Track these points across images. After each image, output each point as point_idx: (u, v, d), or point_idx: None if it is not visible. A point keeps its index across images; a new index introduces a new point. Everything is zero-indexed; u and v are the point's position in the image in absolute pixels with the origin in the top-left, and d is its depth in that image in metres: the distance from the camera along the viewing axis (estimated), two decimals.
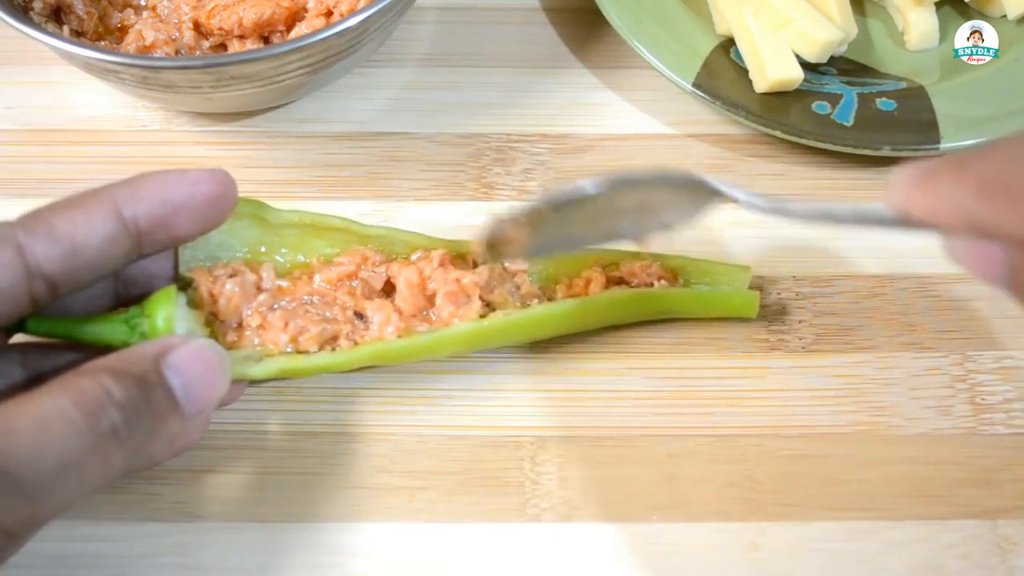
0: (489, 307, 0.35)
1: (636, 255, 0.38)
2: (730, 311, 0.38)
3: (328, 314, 0.34)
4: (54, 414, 0.25)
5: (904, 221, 0.23)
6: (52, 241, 0.28)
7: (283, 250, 0.35)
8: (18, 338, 0.31)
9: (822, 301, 0.40)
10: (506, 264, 0.37)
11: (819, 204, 0.27)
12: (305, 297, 0.34)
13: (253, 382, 0.34)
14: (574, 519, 0.34)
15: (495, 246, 0.33)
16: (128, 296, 0.33)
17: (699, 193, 0.31)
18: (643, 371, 0.38)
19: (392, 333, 0.34)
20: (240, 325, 0.33)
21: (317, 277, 0.35)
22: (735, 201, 0.30)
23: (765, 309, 0.39)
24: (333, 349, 0.34)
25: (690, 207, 0.32)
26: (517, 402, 0.37)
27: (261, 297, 0.33)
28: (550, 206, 0.31)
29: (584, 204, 0.31)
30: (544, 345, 0.38)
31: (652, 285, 0.37)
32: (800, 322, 0.39)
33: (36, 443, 0.24)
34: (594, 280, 0.37)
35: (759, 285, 0.39)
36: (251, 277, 0.33)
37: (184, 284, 0.33)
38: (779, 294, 0.40)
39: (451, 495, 0.35)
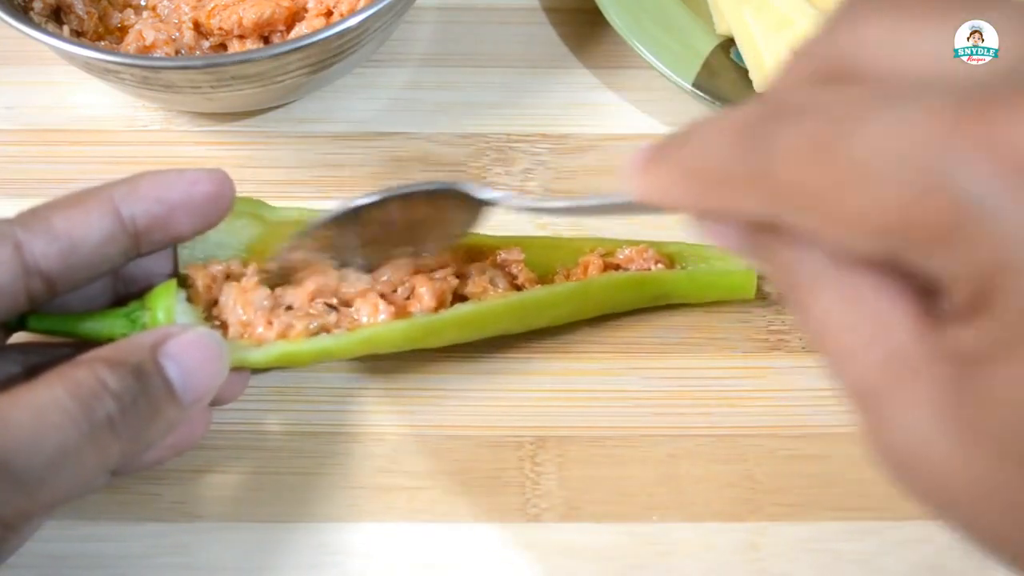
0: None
1: (633, 242, 0.38)
2: (728, 292, 0.38)
3: (312, 310, 0.34)
4: (50, 404, 0.25)
5: (642, 206, 0.23)
6: (50, 239, 0.28)
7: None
8: (19, 337, 0.31)
9: None
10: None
11: (569, 199, 0.28)
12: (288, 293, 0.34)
13: (255, 372, 0.34)
14: (574, 519, 0.34)
15: (288, 273, 0.34)
16: (128, 295, 0.33)
17: (462, 199, 0.32)
18: (643, 371, 0.38)
19: (385, 320, 0.34)
20: (237, 323, 0.33)
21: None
22: (491, 203, 0.31)
23: (766, 309, 0.39)
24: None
25: (463, 214, 0.33)
26: (517, 402, 0.37)
27: (255, 300, 0.33)
28: (326, 225, 0.33)
29: (360, 220, 0.32)
30: (544, 344, 0.38)
31: (649, 270, 0.37)
32: None
33: (32, 434, 0.24)
34: (591, 265, 0.37)
35: (760, 284, 0.39)
36: (243, 277, 0.34)
37: (183, 282, 0.33)
38: (780, 294, 0.40)
39: (451, 495, 0.35)
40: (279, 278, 0.34)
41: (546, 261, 0.38)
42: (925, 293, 0.19)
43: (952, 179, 0.16)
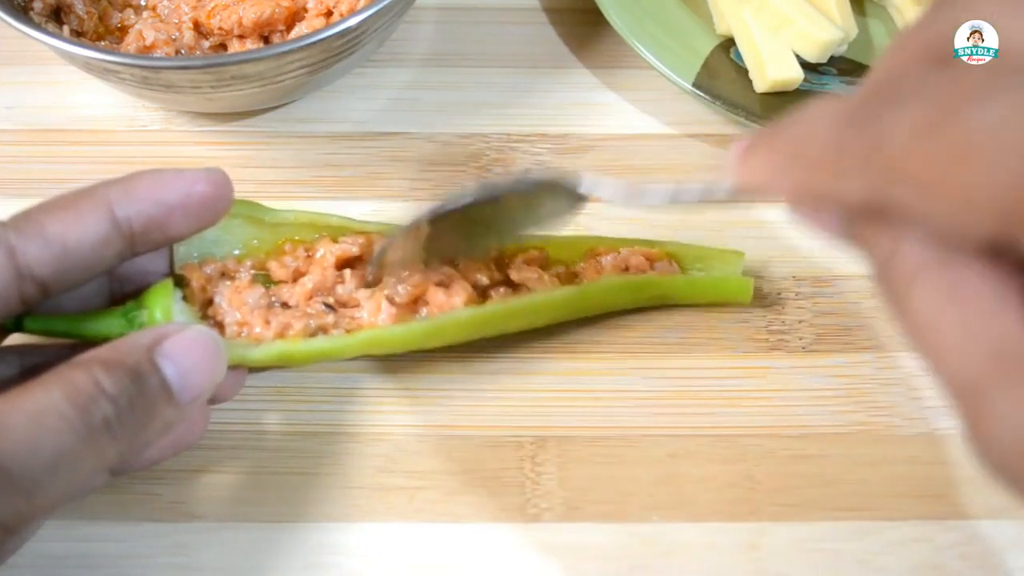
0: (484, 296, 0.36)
1: (629, 242, 0.38)
2: (725, 296, 0.39)
3: (310, 310, 0.34)
4: (47, 408, 0.25)
5: (745, 193, 0.24)
6: (44, 244, 0.28)
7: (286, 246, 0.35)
8: (16, 338, 0.31)
9: (822, 301, 0.40)
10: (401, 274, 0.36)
11: (668, 187, 0.28)
12: (285, 291, 0.34)
13: (254, 371, 0.34)
14: (574, 519, 0.34)
15: (385, 264, 0.34)
16: (123, 294, 0.33)
17: (562, 191, 0.32)
18: (643, 371, 0.38)
19: (386, 321, 0.34)
20: (234, 323, 0.33)
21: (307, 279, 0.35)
22: (592, 196, 0.31)
23: (765, 309, 0.39)
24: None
25: (559, 207, 0.33)
26: (517, 402, 0.37)
27: (250, 299, 0.33)
28: (428, 219, 0.32)
29: (460, 214, 0.32)
30: (544, 344, 0.38)
31: (646, 272, 0.38)
32: (800, 322, 0.39)
33: (29, 438, 0.24)
34: (590, 267, 0.37)
35: (759, 285, 0.39)
36: (241, 279, 0.34)
37: (178, 281, 0.33)
38: (779, 294, 0.40)
39: (451, 495, 0.35)
40: (375, 279, 0.35)
41: (543, 260, 0.38)
42: None
43: None
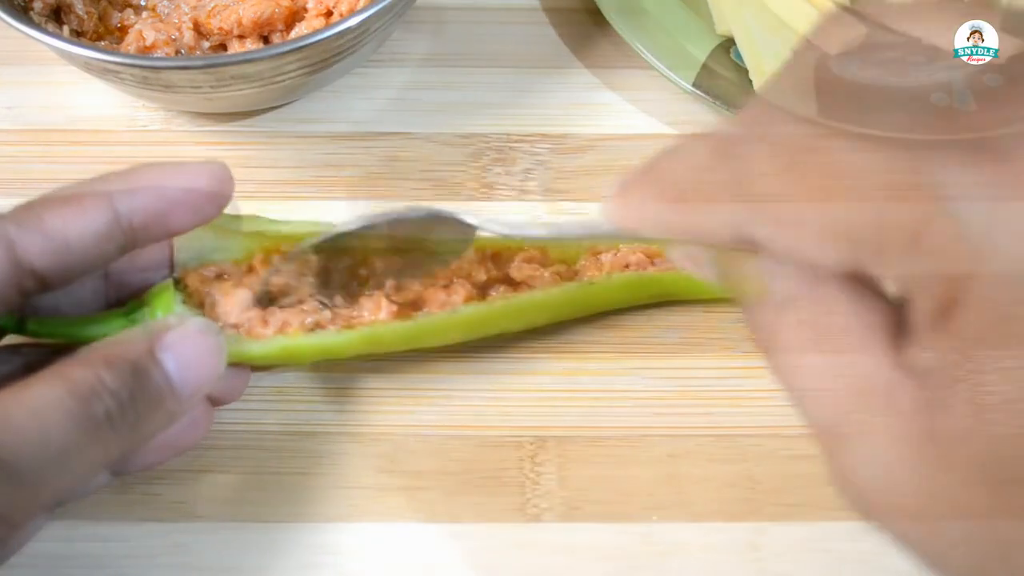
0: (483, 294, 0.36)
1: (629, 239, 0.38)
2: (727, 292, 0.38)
3: (306, 307, 0.34)
4: (49, 402, 0.25)
5: (620, 232, 0.23)
6: (44, 238, 0.28)
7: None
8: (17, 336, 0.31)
9: None
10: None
11: (552, 225, 0.28)
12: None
13: (256, 370, 0.34)
14: (574, 519, 0.34)
15: (271, 290, 0.33)
16: (119, 300, 0.33)
17: (449, 225, 0.31)
18: (643, 371, 0.38)
19: (385, 317, 0.34)
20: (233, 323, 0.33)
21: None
22: (477, 229, 0.31)
23: None
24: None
25: (452, 238, 0.32)
26: (517, 402, 0.37)
27: (248, 300, 0.33)
28: (308, 251, 0.32)
29: (346, 244, 0.32)
30: (544, 344, 0.38)
31: (647, 269, 0.38)
32: None
33: (32, 432, 0.24)
34: (590, 264, 0.37)
35: None
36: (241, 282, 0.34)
37: (177, 286, 0.33)
38: None
39: (451, 495, 0.35)
40: (263, 302, 0.33)
41: (544, 258, 0.38)
42: (895, 314, 0.18)
43: (926, 183, 0.16)
